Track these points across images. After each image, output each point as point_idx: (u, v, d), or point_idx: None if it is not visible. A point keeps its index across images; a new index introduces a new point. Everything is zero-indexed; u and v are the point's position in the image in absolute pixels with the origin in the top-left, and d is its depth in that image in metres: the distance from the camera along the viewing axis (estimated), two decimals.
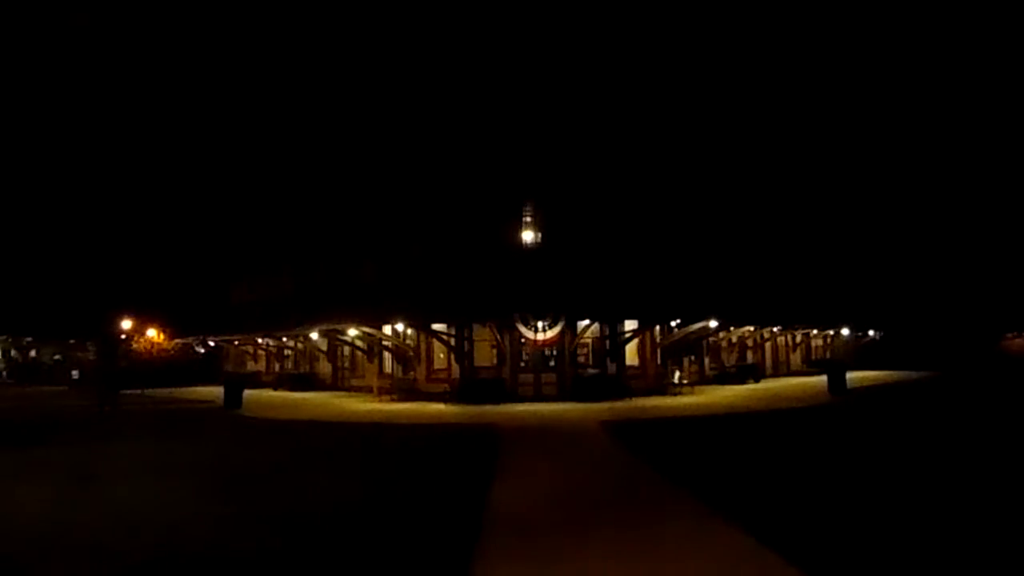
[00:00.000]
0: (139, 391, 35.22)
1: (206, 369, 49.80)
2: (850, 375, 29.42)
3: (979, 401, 24.13)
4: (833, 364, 34.56)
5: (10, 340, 60.04)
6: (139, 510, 8.93)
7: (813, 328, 47.68)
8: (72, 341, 53.67)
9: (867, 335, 55.87)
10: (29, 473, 11.95)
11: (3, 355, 61.84)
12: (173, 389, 38.96)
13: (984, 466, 11.11)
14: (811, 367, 45.27)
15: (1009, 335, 60.47)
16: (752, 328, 41.03)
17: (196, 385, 42.56)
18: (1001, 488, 9.25)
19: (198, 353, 51.10)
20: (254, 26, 48.03)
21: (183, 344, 49.14)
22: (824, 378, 28.96)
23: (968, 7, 50.42)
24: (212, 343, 49.54)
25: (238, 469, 12.45)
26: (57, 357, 57.11)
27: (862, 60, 52.17)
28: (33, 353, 61.04)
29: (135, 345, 44.79)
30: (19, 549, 7.15)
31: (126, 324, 43.18)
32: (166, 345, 47.23)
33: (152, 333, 46.24)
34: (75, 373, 46.86)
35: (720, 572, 6.00)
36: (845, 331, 51.36)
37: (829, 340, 51.95)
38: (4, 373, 58.82)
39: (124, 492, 10.06)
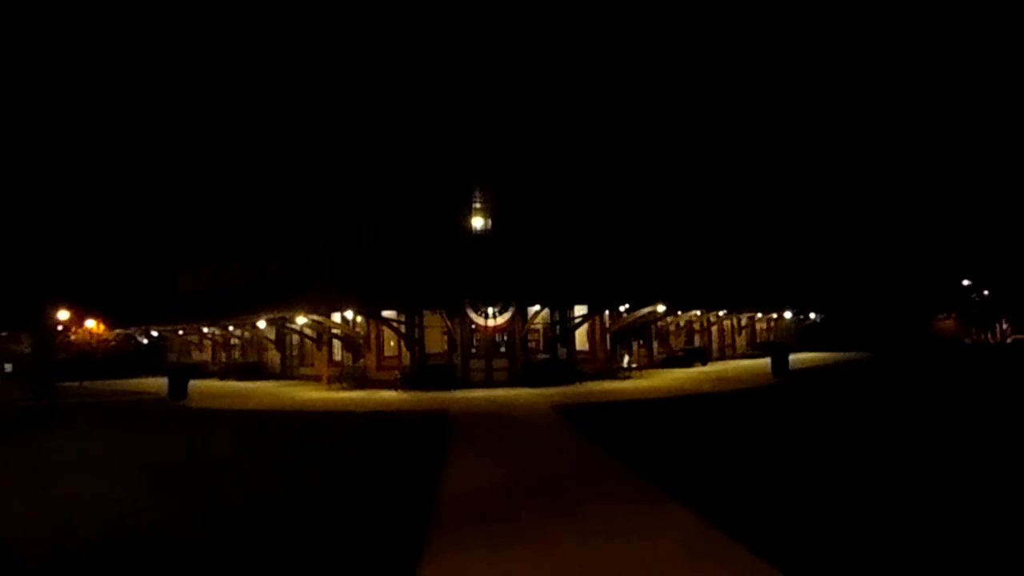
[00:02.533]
0: (77, 384, 34.14)
1: (150, 360, 48.50)
2: (793, 357, 30.42)
3: (907, 380, 25.57)
4: (777, 347, 35.55)
5: None
6: (75, 508, 8.70)
7: (758, 312, 48.98)
8: (4, 333, 51.51)
9: (809, 318, 57.68)
10: None
11: None
12: (115, 381, 37.93)
13: (907, 438, 11.79)
14: (756, 350, 46.56)
15: (940, 316, 63.37)
16: (699, 312, 41.94)
17: (139, 376, 41.49)
18: (922, 455, 9.81)
19: (141, 344, 49.70)
20: (195, 5, 46.57)
21: (125, 335, 47.70)
22: (768, 360, 29.82)
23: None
24: (156, 333, 48.22)
25: (183, 461, 12.21)
26: None
27: (804, 45, 53.48)
28: None
29: (73, 336, 43.29)
30: None
31: (63, 315, 41.66)
32: (107, 336, 45.79)
33: (91, 324, 44.74)
34: (8, 366, 45.13)
35: (671, 551, 6.19)
36: (788, 314, 52.93)
37: (773, 323, 53.46)
38: None
39: (59, 490, 9.78)
